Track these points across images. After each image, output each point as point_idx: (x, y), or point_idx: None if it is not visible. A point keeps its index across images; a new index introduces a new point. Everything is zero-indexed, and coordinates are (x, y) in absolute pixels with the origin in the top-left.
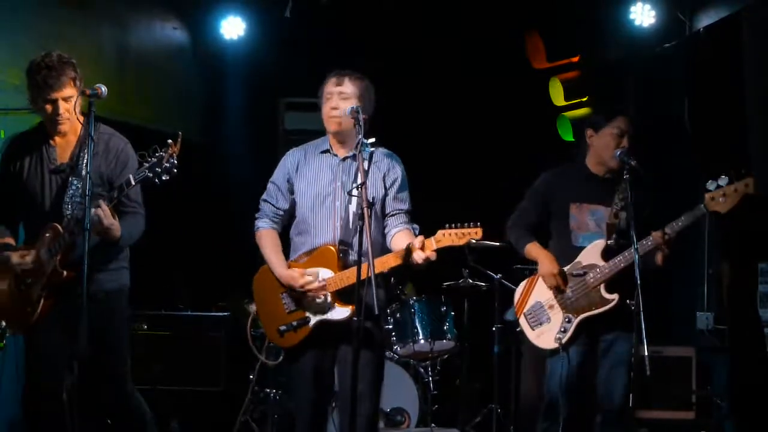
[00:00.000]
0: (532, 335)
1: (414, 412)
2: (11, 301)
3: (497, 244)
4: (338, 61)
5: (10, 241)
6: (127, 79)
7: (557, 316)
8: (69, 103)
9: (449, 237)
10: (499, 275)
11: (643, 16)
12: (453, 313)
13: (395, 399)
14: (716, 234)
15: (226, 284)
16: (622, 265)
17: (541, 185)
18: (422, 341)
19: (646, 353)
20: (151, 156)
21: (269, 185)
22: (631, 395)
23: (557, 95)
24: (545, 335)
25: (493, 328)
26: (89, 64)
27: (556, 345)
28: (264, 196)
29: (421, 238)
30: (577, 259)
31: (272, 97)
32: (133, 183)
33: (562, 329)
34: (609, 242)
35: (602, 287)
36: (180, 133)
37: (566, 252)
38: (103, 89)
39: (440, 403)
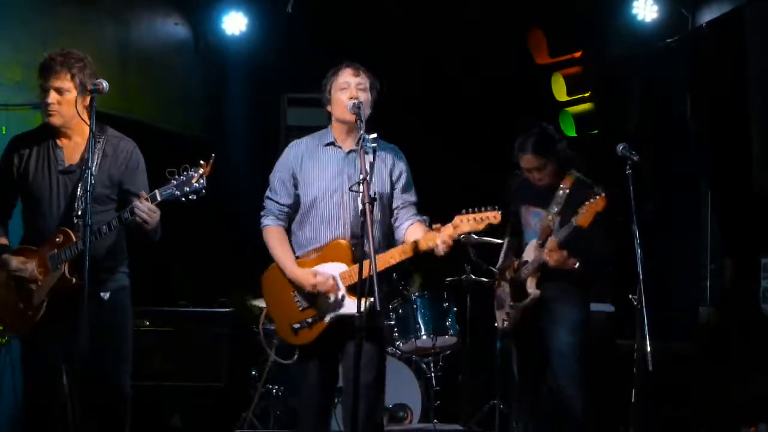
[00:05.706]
0: (497, 317)
1: (416, 407)
2: (11, 304)
3: (498, 241)
4: (340, 56)
5: (4, 241)
6: (129, 75)
7: (509, 304)
8: (62, 96)
9: (468, 223)
10: None
11: (645, 12)
12: (455, 309)
13: (398, 395)
14: (718, 229)
15: (228, 280)
16: (537, 263)
17: (506, 192)
18: (424, 337)
19: (648, 348)
20: (181, 174)
21: (272, 181)
22: (633, 391)
23: (559, 91)
24: (501, 319)
25: (495, 324)
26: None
27: (503, 327)
28: (267, 193)
29: (438, 226)
30: (523, 255)
31: (274, 93)
32: (159, 199)
33: (507, 315)
34: (539, 242)
35: (529, 282)
36: (213, 155)
37: (522, 247)
38: (104, 84)
39: (442, 399)
